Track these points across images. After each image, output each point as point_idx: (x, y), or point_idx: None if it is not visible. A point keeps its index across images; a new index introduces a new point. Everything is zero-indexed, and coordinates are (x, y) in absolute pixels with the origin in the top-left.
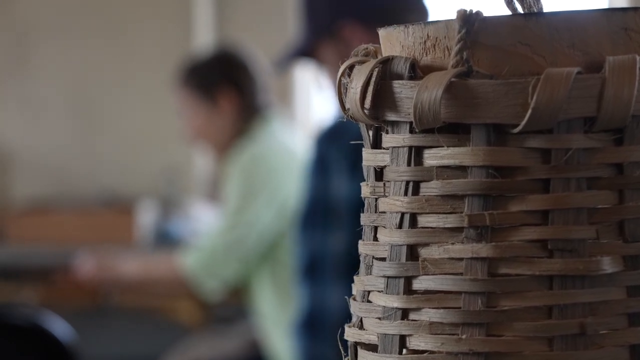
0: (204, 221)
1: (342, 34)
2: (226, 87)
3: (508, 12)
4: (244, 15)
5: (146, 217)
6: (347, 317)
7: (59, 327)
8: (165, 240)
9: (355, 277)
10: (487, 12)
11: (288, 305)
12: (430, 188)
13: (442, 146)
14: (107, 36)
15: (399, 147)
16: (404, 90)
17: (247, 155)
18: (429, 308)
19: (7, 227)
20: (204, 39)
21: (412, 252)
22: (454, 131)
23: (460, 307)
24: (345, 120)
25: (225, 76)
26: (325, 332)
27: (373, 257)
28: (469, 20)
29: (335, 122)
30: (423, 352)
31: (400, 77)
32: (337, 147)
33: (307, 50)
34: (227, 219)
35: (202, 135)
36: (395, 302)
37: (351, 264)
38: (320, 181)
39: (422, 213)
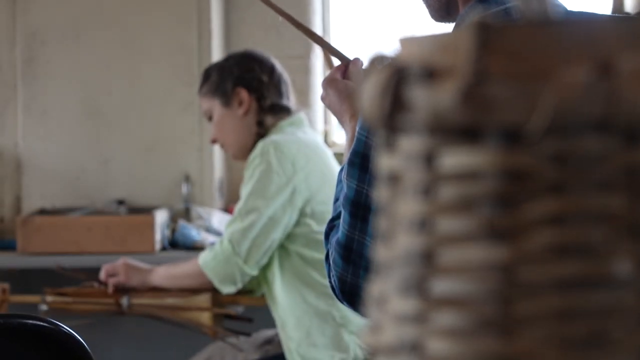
0: (220, 230)
1: None
2: (245, 90)
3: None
4: (255, 19)
5: (162, 226)
6: None
7: (75, 333)
8: (181, 249)
9: (370, 282)
10: (502, 17)
11: (297, 294)
12: (445, 192)
13: (457, 151)
14: (120, 43)
15: (414, 151)
16: (419, 95)
17: (269, 141)
18: (445, 313)
19: (20, 235)
20: (218, 43)
21: (427, 256)
22: (468, 136)
23: (475, 312)
24: None
25: (244, 79)
26: (359, 261)
27: (388, 262)
28: (484, 25)
29: None
30: (439, 357)
31: (416, 82)
32: None
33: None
34: (241, 203)
35: (225, 139)
36: (410, 306)
37: None
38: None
39: (437, 218)
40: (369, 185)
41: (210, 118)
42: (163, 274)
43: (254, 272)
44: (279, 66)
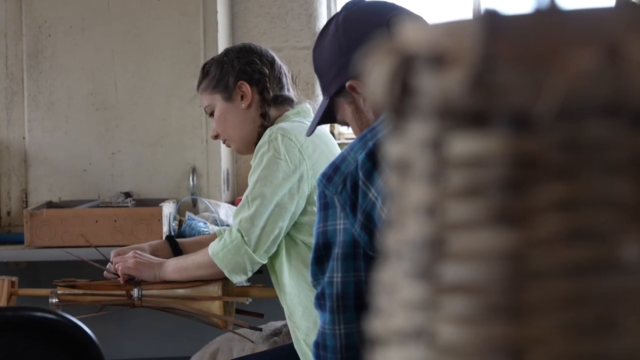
0: (227, 222)
1: (351, 90)
2: (247, 83)
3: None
4: (261, 10)
5: (169, 218)
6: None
7: (83, 326)
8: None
9: (380, 269)
10: (510, 6)
11: (305, 284)
12: (454, 178)
13: (466, 136)
14: (126, 35)
15: (422, 137)
16: (428, 81)
17: (276, 128)
18: (454, 299)
19: (28, 228)
20: (224, 35)
21: (437, 243)
22: (477, 121)
23: (485, 298)
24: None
25: (245, 73)
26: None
27: (397, 249)
28: (492, 12)
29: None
30: (449, 343)
31: (424, 68)
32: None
33: (330, 112)
34: (249, 190)
35: (228, 134)
36: (420, 293)
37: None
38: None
39: (446, 203)
40: (330, 271)
41: (211, 114)
42: (174, 266)
43: (263, 260)
44: (278, 58)
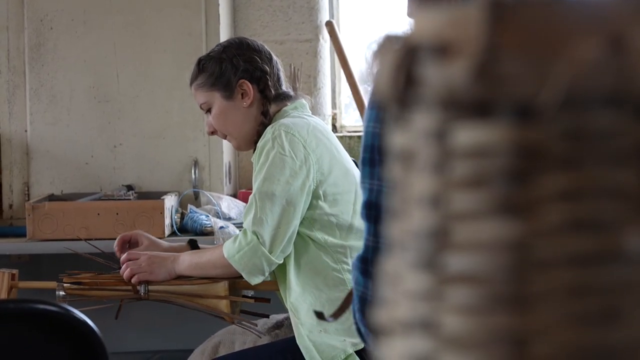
0: (229, 215)
1: None
2: (248, 81)
3: None
4: (263, 2)
5: (171, 211)
6: None
7: (86, 318)
8: (191, 234)
9: (383, 259)
10: None
11: (310, 281)
12: (458, 168)
13: (470, 126)
14: (128, 27)
15: (426, 127)
16: (432, 71)
17: (278, 125)
18: (458, 289)
19: (30, 221)
20: (225, 28)
21: (441, 233)
22: (481, 111)
23: (489, 289)
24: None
25: (247, 71)
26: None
27: (401, 239)
28: (496, 3)
29: None
30: (453, 333)
31: (428, 56)
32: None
33: None
34: (256, 189)
35: (229, 131)
36: (424, 283)
37: None
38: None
39: (450, 194)
40: (379, 179)
41: (208, 110)
42: (189, 263)
43: (280, 260)
44: (273, 54)
